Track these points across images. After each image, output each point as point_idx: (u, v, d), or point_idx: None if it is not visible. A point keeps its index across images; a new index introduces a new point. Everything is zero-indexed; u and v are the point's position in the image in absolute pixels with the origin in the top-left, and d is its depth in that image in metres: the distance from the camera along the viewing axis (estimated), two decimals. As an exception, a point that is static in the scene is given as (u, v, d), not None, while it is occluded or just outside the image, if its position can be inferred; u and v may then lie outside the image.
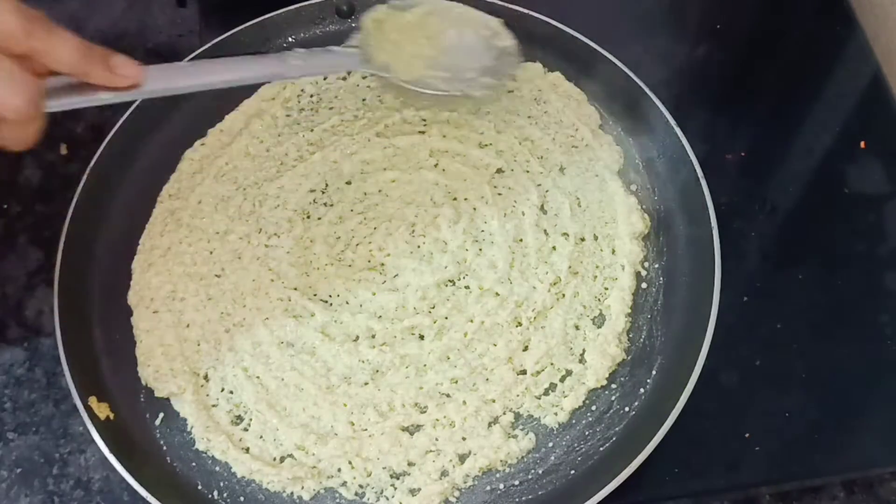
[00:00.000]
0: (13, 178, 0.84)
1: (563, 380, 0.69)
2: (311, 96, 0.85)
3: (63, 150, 0.85)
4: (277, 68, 0.63)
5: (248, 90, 0.85)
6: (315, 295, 0.73)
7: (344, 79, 0.86)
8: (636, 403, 0.68)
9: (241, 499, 0.65)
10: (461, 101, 0.76)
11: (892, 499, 0.69)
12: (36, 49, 0.49)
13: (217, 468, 0.66)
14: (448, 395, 0.68)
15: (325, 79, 0.86)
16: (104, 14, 0.95)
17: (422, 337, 0.70)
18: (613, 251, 0.75)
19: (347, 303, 0.72)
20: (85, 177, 0.76)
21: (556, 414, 0.67)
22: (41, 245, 0.80)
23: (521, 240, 0.75)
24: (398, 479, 0.65)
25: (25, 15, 0.48)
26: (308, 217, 0.77)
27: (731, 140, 0.83)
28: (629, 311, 0.72)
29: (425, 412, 0.67)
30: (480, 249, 0.74)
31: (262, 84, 0.85)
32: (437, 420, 0.67)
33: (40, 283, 0.77)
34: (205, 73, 0.62)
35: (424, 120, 0.82)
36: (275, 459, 0.66)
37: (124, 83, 0.56)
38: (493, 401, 0.67)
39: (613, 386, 0.69)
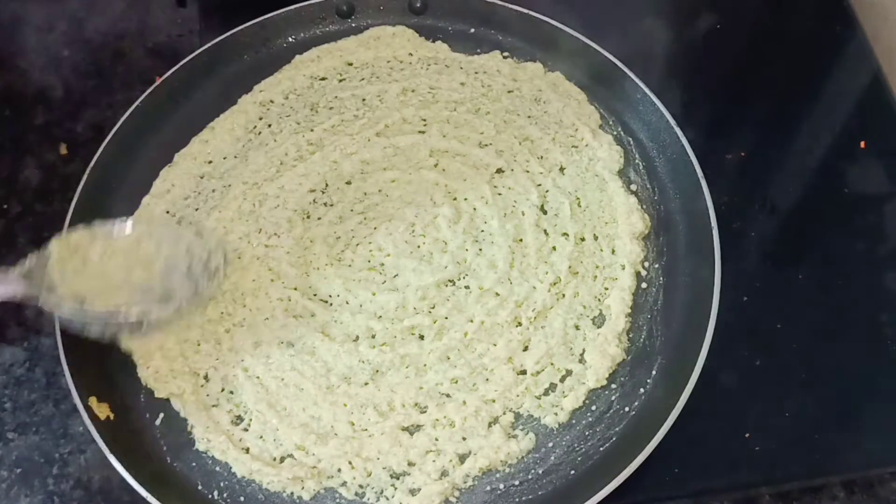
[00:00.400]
0: (13, 178, 0.84)
1: (563, 380, 0.69)
2: (310, 97, 0.85)
3: (63, 150, 0.85)
4: None
5: (246, 88, 0.85)
6: (315, 295, 0.73)
7: (342, 80, 0.86)
8: (636, 403, 0.68)
9: (241, 499, 0.65)
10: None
11: (892, 499, 0.68)
12: None
13: (217, 468, 0.66)
14: (448, 395, 0.68)
15: (322, 79, 0.86)
16: (104, 14, 0.95)
17: (422, 337, 0.70)
18: (613, 251, 0.75)
19: (347, 303, 0.72)
20: (85, 177, 0.76)
21: (556, 414, 0.67)
22: (41, 245, 0.79)
23: (521, 240, 0.75)
24: (398, 479, 0.65)
25: None
26: (308, 217, 0.77)
27: (731, 140, 0.83)
28: (629, 311, 0.72)
29: (425, 412, 0.67)
30: (480, 249, 0.74)
31: (262, 81, 0.85)
32: (437, 420, 0.67)
33: (40, 283, 0.77)
34: None
35: (424, 120, 0.82)
36: (275, 459, 0.66)
37: None
38: (493, 401, 0.67)
39: (613, 386, 0.69)
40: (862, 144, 0.83)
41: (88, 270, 0.65)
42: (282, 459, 0.66)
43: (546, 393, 0.68)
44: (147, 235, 0.68)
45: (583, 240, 0.75)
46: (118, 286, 0.65)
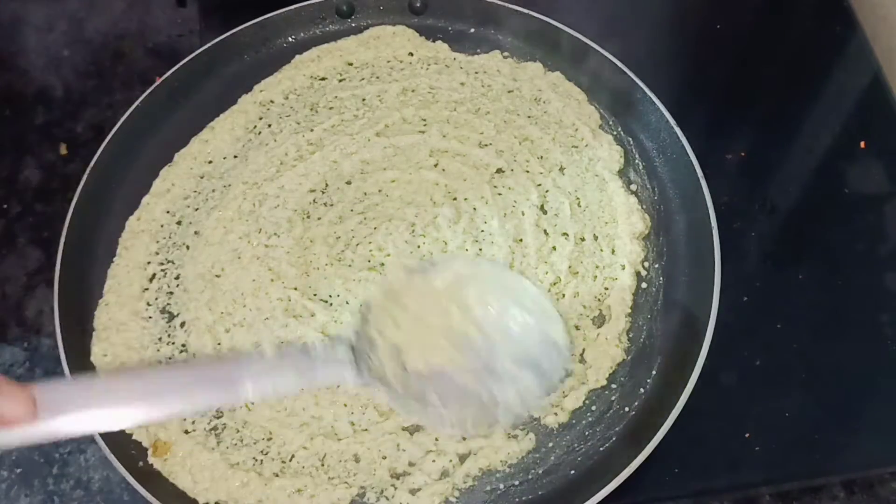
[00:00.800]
0: (13, 178, 0.84)
1: (562, 380, 0.69)
2: (310, 97, 0.85)
3: (63, 150, 0.85)
4: (229, 387, 0.49)
5: (246, 88, 0.85)
6: (315, 295, 0.73)
7: (342, 80, 0.86)
8: (636, 403, 0.68)
9: (242, 499, 0.65)
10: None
11: (892, 499, 0.69)
12: None
13: (217, 468, 0.66)
14: (448, 395, 0.68)
15: (322, 79, 0.86)
16: (104, 14, 0.95)
17: (422, 337, 0.70)
18: (613, 251, 0.75)
19: (347, 303, 0.72)
20: (85, 177, 0.76)
21: (556, 414, 0.67)
22: (41, 245, 0.80)
23: (521, 240, 0.75)
24: (398, 479, 0.65)
25: None
26: (308, 217, 0.77)
27: (731, 140, 0.83)
28: (629, 311, 0.72)
29: (425, 412, 0.67)
30: (480, 249, 0.74)
31: (262, 81, 0.85)
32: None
33: (40, 283, 0.77)
34: (129, 400, 0.47)
35: (424, 120, 0.82)
36: (274, 460, 0.66)
37: (8, 426, 0.43)
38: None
39: (613, 386, 0.69)
40: (862, 144, 0.83)
41: (405, 320, 0.55)
42: (282, 461, 0.66)
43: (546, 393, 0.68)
44: (467, 276, 0.56)
45: (583, 240, 0.75)
46: (436, 339, 0.54)
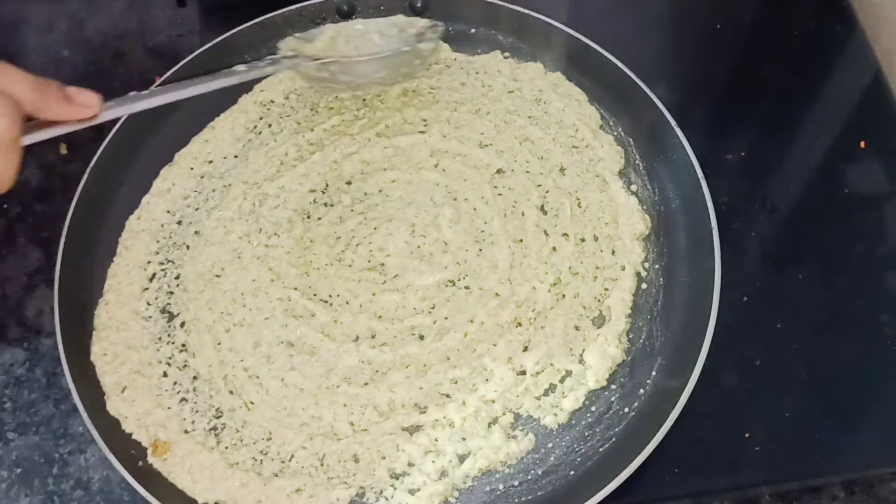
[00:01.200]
0: (13, 178, 0.84)
1: (562, 380, 0.69)
2: (310, 97, 0.85)
3: (63, 150, 0.85)
4: (225, 79, 0.67)
5: (246, 88, 0.85)
6: (315, 295, 0.73)
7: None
8: (636, 404, 0.68)
9: (242, 499, 0.65)
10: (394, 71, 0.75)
11: (892, 499, 0.69)
12: None
13: (217, 468, 0.66)
14: (448, 396, 0.68)
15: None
16: (104, 14, 0.95)
17: (422, 337, 0.70)
18: (614, 252, 0.75)
19: (348, 303, 0.72)
20: (85, 177, 0.76)
21: (555, 415, 0.67)
22: (41, 245, 0.80)
23: (521, 240, 0.75)
24: (398, 479, 0.65)
25: None
26: (308, 217, 0.77)
27: (731, 140, 0.83)
28: (629, 311, 0.72)
29: (425, 412, 0.67)
30: (481, 250, 0.74)
31: (263, 80, 0.85)
32: (437, 420, 0.67)
33: (40, 283, 0.77)
34: (161, 93, 0.63)
35: (425, 120, 0.82)
36: (273, 460, 0.66)
37: (83, 114, 0.55)
38: (493, 401, 0.67)
39: (613, 386, 0.69)
40: (862, 144, 0.83)
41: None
42: (282, 461, 0.66)
43: (546, 393, 0.68)
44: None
45: (583, 240, 0.75)
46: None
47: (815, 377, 0.71)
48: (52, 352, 0.72)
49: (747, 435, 0.68)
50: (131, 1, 0.96)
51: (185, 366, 0.70)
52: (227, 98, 0.84)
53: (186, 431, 0.67)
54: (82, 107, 0.54)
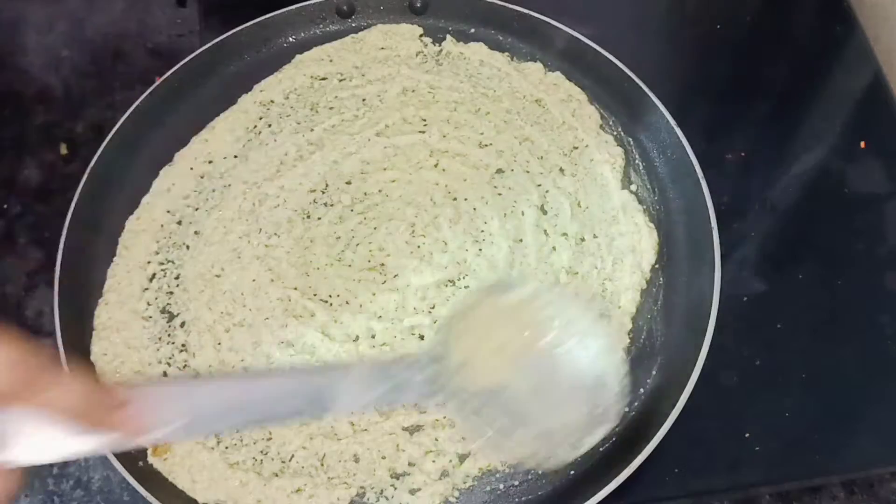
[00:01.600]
0: (13, 178, 0.84)
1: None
2: (310, 97, 0.85)
3: (63, 150, 0.85)
4: (318, 401, 0.48)
5: (246, 88, 0.85)
6: (315, 295, 0.73)
7: (342, 80, 0.86)
8: (636, 403, 0.68)
9: (242, 499, 0.65)
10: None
11: (892, 499, 0.69)
12: (34, 405, 0.40)
13: (217, 468, 0.66)
14: (448, 395, 0.68)
15: (322, 78, 0.86)
16: (104, 14, 0.95)
17: (422, 337, 0.70)
18: (613, 252, 0.75)
19: (347, 303, 0.72)
20: (85, 177, 0.76)
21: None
22: (41, 245, 0.80)
23: (520, 240, 0.75)
24: (398, 479, 0.65)
25: (26, 368, 0.39)
26: (308, 217, 0.77)
27: (731, 140, 0.83)
28: (629, 311, 0.72)
29: (425, 412, 0.67)
30: (480, 249, 0.74)
31: (262, 80, 0.85)
32: (437, 420, 0.67)
33: (40, 283, 0.77)
34: (225, 411, 0.47)
35: (424, 120, 0.82)
36: (273, 460, 0.66)
37: (130, 438, 0.44)
38: (493, 401, 0.67)
39: (613, 386, 0.69)
40: (862, 144, 0.83)
41: (473, 335, 0.52)
42: (282, 461, 0.66)
43: (546, 393, 0.68)
44: (536, 299, 0.53)
45: (583, 240, 0.75)
46: (502, 359, 0.51)
47: (815, 377, 0.71)
48: (51, 352, 0.72)
49: (747, 435, 0.68)
50: (131, 1, 0.96)
51: (185, 366, 0.70)
52: (226, 98, 0.84)
53: (186, 431, 0.67)
54: (129, 431, 0.43)
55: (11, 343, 0.39)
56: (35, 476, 0.69)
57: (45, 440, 0.41)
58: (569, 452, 0.51)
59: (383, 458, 0.65)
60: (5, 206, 0.82)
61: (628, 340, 0.70)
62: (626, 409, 0.67)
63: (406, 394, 0.50)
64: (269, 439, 0.66)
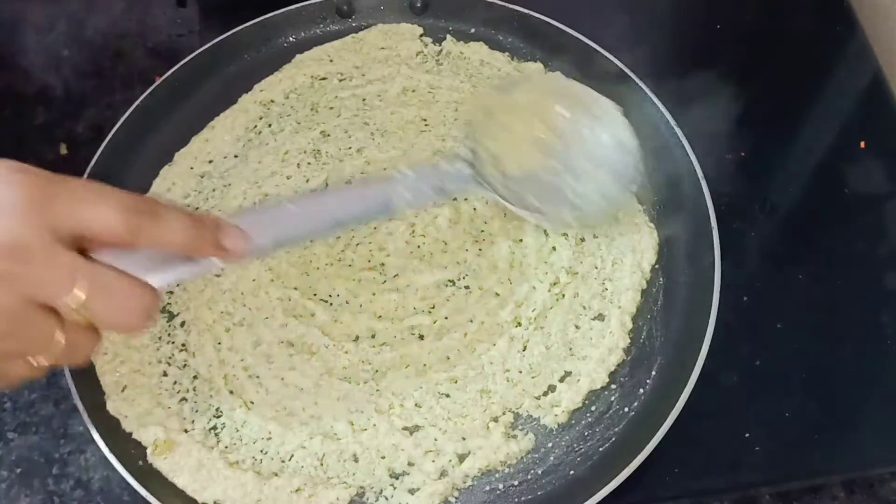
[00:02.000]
0: (13, 178, 0.84)
1: (562, 380, 0.69)
2: (310, 96, 0.85)
3: (63, 150, 0.85)
4: (384, 202, 0.58)
5: (246, 87, 0.85)
6: (315, 294, 0.73)
7: (342, 80, 0.86)
8: (636, 404, 0.68)
9: (241, 498, 0.65)
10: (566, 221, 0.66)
11: (892, 499, 0.68)
12: (144, 243, 0.46)
13: (217, 468, 0.66)
14: (448, 395, 0.68)
15: (323, 78, 0.86)
16: (104, 14, 0.95)
17: (422, 337, 0.70)
18: (613, 251, 0.75)
19: (347, 303, 0.72)
20: (85, 177, 0.76)
21: (555, 414, 0.67)
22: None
23: (520, 240, 0.75)
24: (398, 479, 0.65)
25: (130, 209, 0.45)
26: (308, 217, 0.77)
27: (731, 140, 0.83)
28: (629, 311, 0.72)
29: (425, 412, 0.67)
30: (480, 249, 0.74)
31: (263, 80, 0.85)
32: (437, 420, 0.67)
33: (40, 282, 0.77)
34: (309, 219, 0.55)
35: (425, 120, 0.82)
36: (273, 459, 0.66)
37: (234, 259, 0.51)
38: (493, 401, 0.67)
39: (613, 386, 0.69)
40: (862, 144, 0.83)
41: (498, 131, 0.64)
42: (282, 461, 0.66)
43: (545, 393, 0.68)
44: (551, 93, 0.66)
45: (583, 240, 0.75)
46: (527, 146, 0.63)
47: (815, 377, 0.71)
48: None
49: (747, 435, 0.68)
50: (131, 1, 0.96)
51: (185, 365, 0.70)
52: (226, 98, 0.84)
53: (186, 431, 0.67)
54: (232, 253, 0.50)
55: (116, 196, 0.45)
56: (35, 476, 0.69)
57: (168, 269, 0.49)
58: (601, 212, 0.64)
59: (382, 457, 0.65)
60: (5, 205, 0.82)
61: (629, 340, 0.70)
62: (626, 410, 0.67)
63: (455, 186, 0.61)
64: (269, 439, 0.66)
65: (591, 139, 0.65)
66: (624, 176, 0.65)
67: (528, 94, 0.66)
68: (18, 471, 0.69)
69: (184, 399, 0.69)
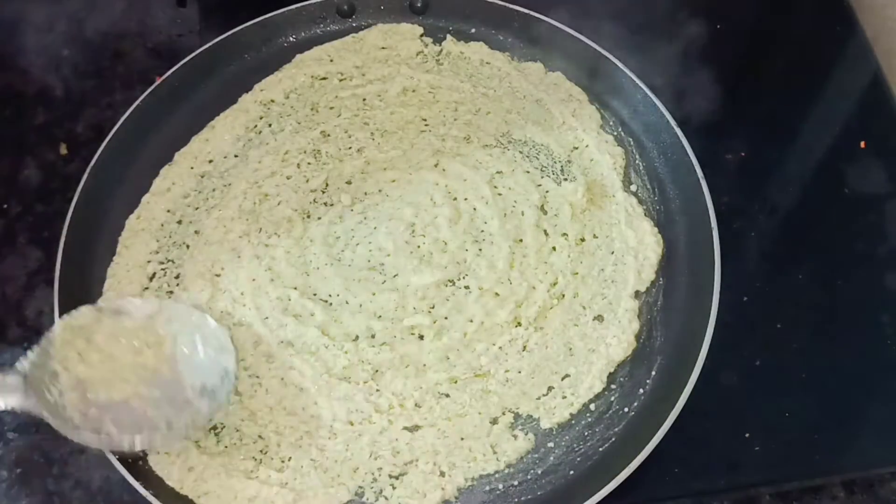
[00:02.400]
0: (13, 178, 0.84)
1: (562, 380, 0.69)
2: (310, 96, 0.85)
3: (63, 150, 0.85)
4: None
5: (246, 87, 0.85)
6: (315, 294, 0.73)
7: (342, 80, 0.86)
8: (636, 404, 0.68)
9: (241, 498, 0.65)
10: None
11: (892, 499, 0.68)
12: None
13: (217, 468, 0.66)
14: (447, 395, 0.68)
15: (323, 78, 0.86)
16: (104, 14, 0.95)
17: (421, 337, 0.70)
18: (612, 252, 0.75)
19: (347, 302, 0.72)
20: (85, 177, 0.76)
21: (555, 414, 0.67)
22: (41, 245, 0.80)
23: (520, 240, 0.75)
24: (397, 479, 0.65)
25: None
26: (308, 216, 0.77)
27: (731, 140, 0.83)
28: (629, 310, 0.72)
29: (425, 412, 0.67)
30: (480, 250, 0.74)
31: (263, 80, 0.85)
32: (437, 420, 0.67)
33: (40, 283, 0.77)
34: None
35: (425, 120, 0.82)
36: (272, 459, 0.66)
37: None
38: (493, 401, 0.67)
39: (613, 386, 0.69)
40: (862, 144, 0.83)
41: (93, 356, 0.62)
42: (282, 460, 0.66)
43: (545, 393, 0.68)
44: (158, 315, 0.65)
45: (582, 240, 0.75)
46: (124, 374, 0.62)
47: (815, 377, 0.71)
48: (52, 351, 0.72)
49: (747, 435, 0.68)
50: (131, 1, 0.96)
51: (185, 366, 0.70)
52: (226, 98, 0.84)
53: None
54: None
55: None
56: (35, 476, 0.69)
57: None
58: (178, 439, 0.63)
59: (382, 457, 0.65)
60: (5, 206, 0.82)
61: (628, 341, 0.70)
62: (626, 410, 0.67)
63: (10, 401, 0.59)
64: (269, 439, 0.66)
65: (201, 368, 0.64)
66: (221, 402, 0.65)
67: (136, 318, 0.65)
68: (18, 471, 0.69)
69: (183, 399, 0.69)
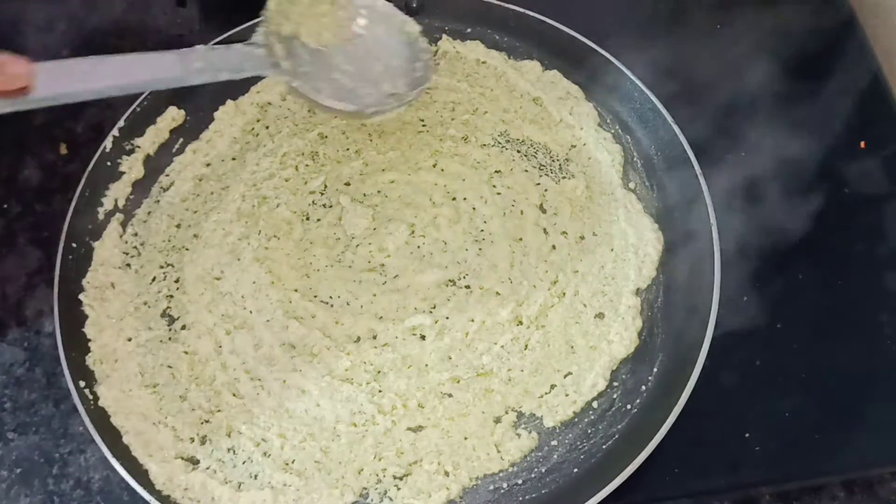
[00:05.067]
0: (13, 178, 0.84)
1: (564, 378, 0.69)
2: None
3: (63, 150, 0.85)
4: (177, 72, 0.59)
5: (243, 89, 0.85)
6: (316, 296, 0.73)
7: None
8: (638, 401, 0.68)
9: (242, 499, 0.65)
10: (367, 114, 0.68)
11: (892, 499, 0.69)
12: None
13: (218, 468, 0.66)
14: (450, 395, 0.68)
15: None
16: (104, 14, 0.95)
17: (423, 337, 0.70)
18: (612, 249, 0.75)
19: (348, 304, 0.72)
20: (85, 177, 0.76)
21: (558, 413, 0.67)
22: (41, 245, 0.80)
23: (520, 239, 0.75)
24: (402, 479, 0.65)
25: None
26: (307, 218, 0.77)
27: (731, 140, 0.83)
28: (629, 309, 0.72)
29: (428, 412, 0.67)
30: (480, 249, 0.74)
31: (260, 82, 0.85)
32: (440, 420, 0.67)
33: (40, 283, 0.77)
34: (100, 77, 0.57)
35: (423, 120, 0.82)
36: (275, 462, 0.66)
37: (13, 84, 0.50)
38: (495, 400, 0.67)
39: (615, 384, 0.69)
40: (862, 144, 0.83)
41: (299, 8, 0.65)
42: (285, 462, 0.66)
43: (548, 391, 0.68)
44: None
45: (582, 238, 0.75)
46: (327, 20, 0.66)
47: (815, 377, 0.71)
48: (52, 352, 0.72)
49: (747, 435, 0.68)
50: (131, 1, 0.96)
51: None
52: (224, 100, 0.84)
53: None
54: (11, 77, 0.49)
55: None
56: (35, 476, 0.69)
57: None
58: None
59: (386, 458, 0.65)
60: (5, 206, 0.82)
61: (630, 339, 0.70)
62: (629, 407, 0.67)
63: (248, 66, 0.62)
64: (271, 440, 0.66)
65: (389, 29, 0.68)
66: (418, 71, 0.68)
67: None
68: (18, 471, 0.69)
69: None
